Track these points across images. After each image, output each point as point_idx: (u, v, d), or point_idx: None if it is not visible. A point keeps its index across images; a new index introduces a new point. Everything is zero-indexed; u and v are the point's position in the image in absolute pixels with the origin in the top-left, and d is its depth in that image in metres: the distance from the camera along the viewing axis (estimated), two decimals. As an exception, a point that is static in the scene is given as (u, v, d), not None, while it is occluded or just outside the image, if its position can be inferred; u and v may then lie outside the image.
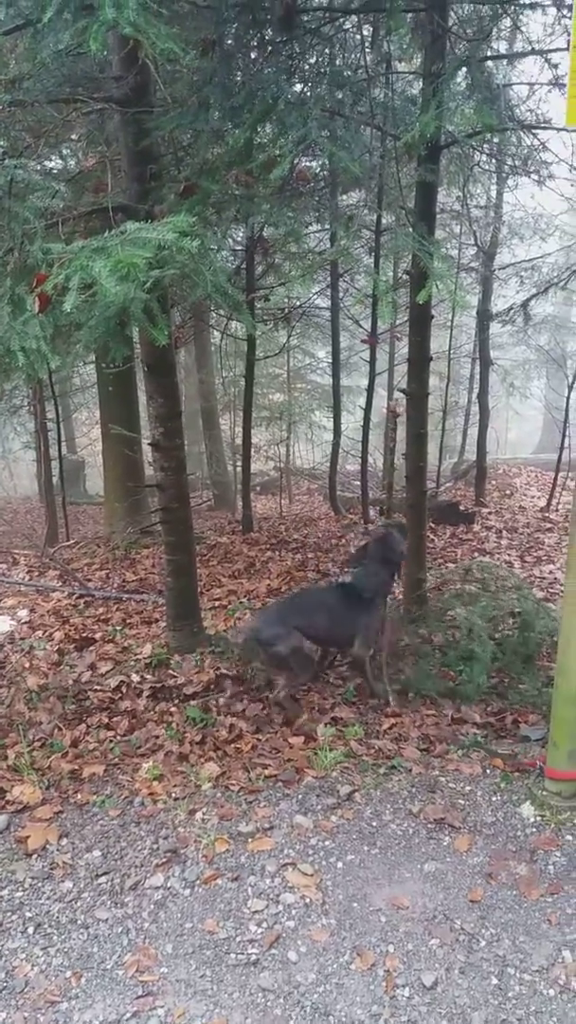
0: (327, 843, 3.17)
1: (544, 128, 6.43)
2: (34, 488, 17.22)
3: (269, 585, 6.68)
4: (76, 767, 3.75)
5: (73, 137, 5.00)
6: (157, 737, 4.01)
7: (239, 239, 8.64)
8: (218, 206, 3.62)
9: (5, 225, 2.85)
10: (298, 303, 10.67)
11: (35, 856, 3.13)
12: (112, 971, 2.58)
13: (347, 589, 4.49)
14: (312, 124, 3.52)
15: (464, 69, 4.32)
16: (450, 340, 10.90)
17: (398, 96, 5.45)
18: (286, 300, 10.32)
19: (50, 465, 9.72)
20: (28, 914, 2.83)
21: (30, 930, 2.76)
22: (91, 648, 5.29)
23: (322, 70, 4.55)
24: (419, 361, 4.85)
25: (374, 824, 3.29)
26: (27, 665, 5.02)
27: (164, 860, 3.07)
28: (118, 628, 5.64)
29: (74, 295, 2.34)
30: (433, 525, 8.34)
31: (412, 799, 3.45)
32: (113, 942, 2.70)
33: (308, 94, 4.16)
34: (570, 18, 2.64)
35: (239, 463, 10.26)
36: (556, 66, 4.51)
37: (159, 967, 2.59)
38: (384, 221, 8.38)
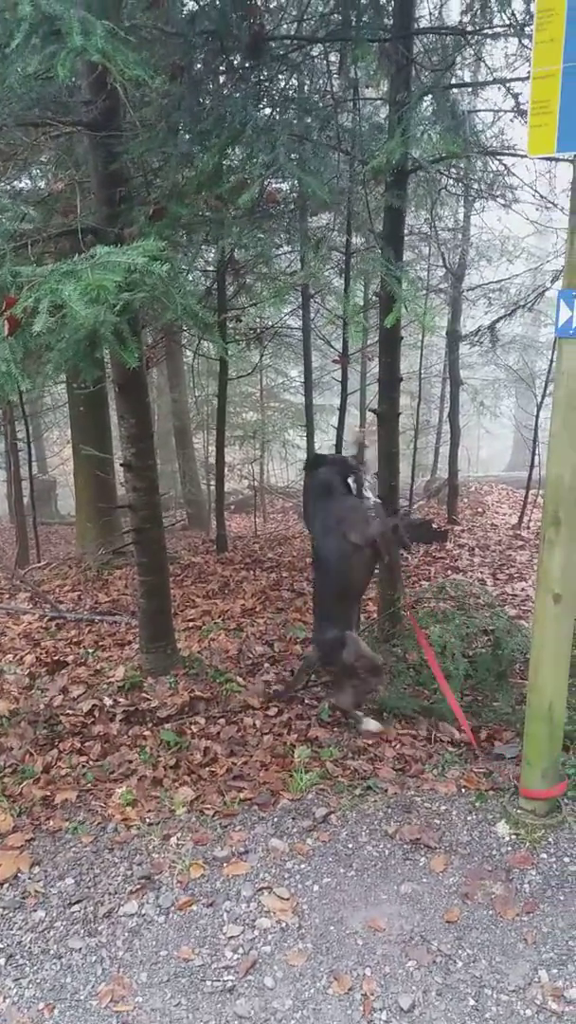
0: (303, 866, 3.15)
1: (508, 154, 6.59)
2: (3, 509, 17.06)
3: (243, 605, 6.67)
4: (48, 793, 3.69)
5: (42, 160, 5.02)
6: (131, 762, 3.96)
7: (209, 260, 8.69)
8: (188, 229, 3.65)
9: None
10: (270, 323, 10.73)
11: (6, 885, 3.07)
12: (86, 1001, 2.53)
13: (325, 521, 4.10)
14: (280, 149, 3.58)
15: (429, 97, 4.41)
16: (420, 360, 11.03)
17: (365, 122, 5.55)
18: (257, 320, 10.37)
19: (20, 485, 9.64)
20: (-1, 946, 2.77)
21: (1, 961, 2.70)
22: (63, 671, 5.23)
23: (290, 95, 4.63)
24: (389, 382, 4.91)
25: (350, 846, 3.27)
26: (-2, 690, 4.95)
27: (138, 887, 3.03)
28: (90, 650, 5.59)
29: (44, 317, 2.34)
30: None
31: (388, 820, 3.44)
32: (87, 972, 2.65)
33: (276, 119, 4.22)
34: (531, 48, 2.72)
35: (213, 482, 10.25)
36: (517, 96, 4.63)
37: (134, 996, 2.55)
38: (354, 243, 8.49)
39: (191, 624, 6.18)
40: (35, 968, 2.67)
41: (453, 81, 5.58)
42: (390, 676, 4.73)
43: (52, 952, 2.74)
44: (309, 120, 4.47)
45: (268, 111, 4.40)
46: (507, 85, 5.02)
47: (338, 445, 8.60)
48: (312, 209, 7.63)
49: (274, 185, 7.20)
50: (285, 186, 7.51)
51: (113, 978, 2.62)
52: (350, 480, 4.04)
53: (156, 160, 4.08)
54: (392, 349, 4.86)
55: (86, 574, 7.95)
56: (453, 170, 7.66)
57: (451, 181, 8.69)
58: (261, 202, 6.53)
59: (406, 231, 5.18)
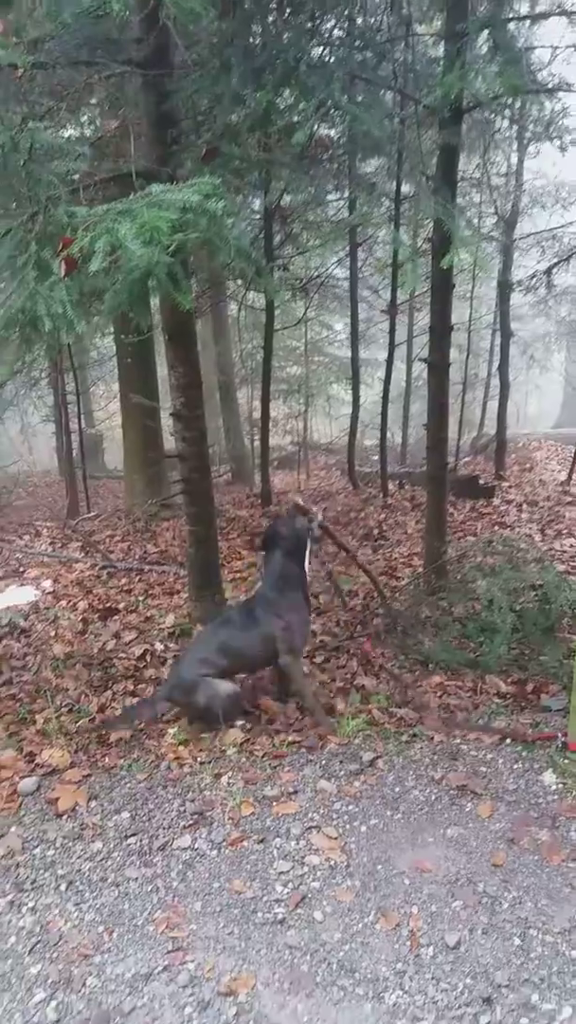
0: (351, 807, 3.21)
1: (568, 91, 6.31)
2: (53, 462, 17.33)
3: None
4: (103, 732, 3.80)
5: (92, 102, 4.95)
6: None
7: (256, 208, 8.55)
8: (239, 170, 3.57)
9: (29, 189, 2.83)
10: (315, 274, 10.57)
11: (65, 817, 3.19)
12: (143, 927, 2.63)
13: (251, 601, 4.05)
14: (335, 87, 3.47)
15: (486, 31, 4.22)
16: (470, 311, 10.80)
17: (419, 59, 5.35)
18: (303, 271, 10.22)
19: (70, 438, 9.75)
20: (60, 872, 2.88)
21: (62, 887, 2.82)
22: (115, 618, 5.34)
23: (343, 32, 4.47)
24: (440, 331, 4.81)
25: (397, 790, 3.32)
26: (53, 634, 5.08)
27: (191, 822, 3.12)
28: (141, 599, 5.69)
29: (100, 257, 2.33)
30: (453, 499, 8.31)
31: (434, 766, 3.47)
32: (143, 900, 2.75)
33: (330, 57, 4.09)
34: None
35: (256, 437, 10.25)
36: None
37: (188, 924, 2.64)
38: (403, 191, 8.26)
39: (237, 575, 6.24)
40: (94, 894, 2.78)
41: (510, 15, 5.33)
42: (435, 629, 4.73)
43: (110, 880, 2.84)
44: (363, 57, 4.31)
45: (320, 49, 4.26)
46: (571, 16, 4.78)
47: (385, 398, 8.53)
48: (362, 154, 7.44)
49: (323, 131, 7.06)
50: (334, 132, 7.35)
51: (168, 906, 2.71)
52: (308, 549, 3.98)
53: (207, 100, 3.99)
54: (444, 296, 4.75)
55: (135, 525, 8.06)
56: (508, 111, 7.39)
57: (505, 123, 8.39)
58: (310, 147, 6.41)
59: (457, 177, 5.00)
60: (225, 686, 3.76)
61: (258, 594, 4.04)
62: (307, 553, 3.95)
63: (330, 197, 8.55)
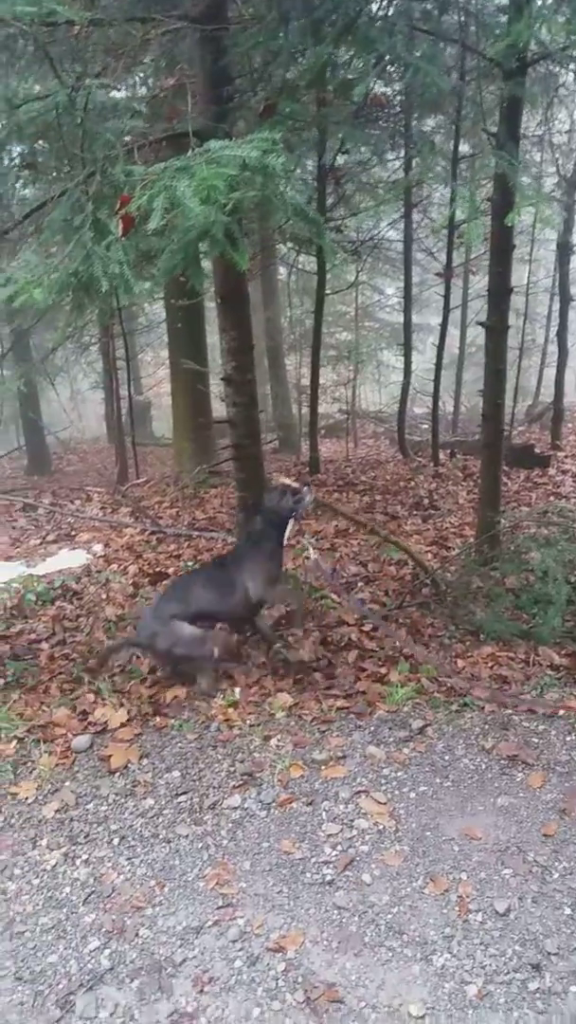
0: (399, 774, 3.21)
1: None
2: (101, 429, 17.51)
3: (336, 526, 6.68)
4: (154, 692, 3.86)
5: (147, 60, 4.88)
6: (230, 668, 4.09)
7: (309, 169, 8.39)
8: (297, 128, 3.48)
9: (85, 149, 2.81)
10: (368, 236, 10.36)
11: (117, 774, 3.25)
12: (193, 883, 2.68)
13: (225, 556, 4.30)
14: (396, 39, 3.35)
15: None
16: (528, 274, 10.47)
17: (483, 9, 5.13)
18: (355, 233, 10.02)
19: (119, 404, 9.81)
20: (113, 827, 2.95)
21: (115, 841, 2.89)
22: (164, 582, 5.39)
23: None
24: (499, 293, 4.67)
25: (446, 758, 3.31)
26: (104, 596, 5.16)
27: (241, 782, 3.16)
28: (189, 563, 5.73)
29: (159, 215, 2.30)
30: (507, 468, 8.16)
31: (485, 736, 3.45)
32: (194, 856, 2.80)
33: (389, 9, 3.94)
34: None
35: (304, 405, 10.16)
36: None
37: (238, 881, 2.68)
38: (461, 149, 8.02)
39: (287, 543, 6.22)
40: (146, 849, 2.84)
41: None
42: (487, 600, 4.67)
43: (161, 836, 2.90)
44: (425, 8, 4.15)
45: (382, 0, 4.11)
46: None
47: (438, 365, 8.37)
48: (420, 111, 7.22)
49: (379, 89, 6.88)
50: (389, 90, 7.14)
51: (218, 863, 2.76)
52: (289, 524, 4.08)
53: (264, 57, 3.89)
54: (504, 258, 4.61)
55: (183, 492, 8.11)
56: (573, 64, 7.07)
57: (570, 77, 8.05)
58: (366, 105, 6.25)
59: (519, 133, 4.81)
60: (188, 630, 3.79)
61: (231, 553, 4.25)
62: (288, 526, 4.06)
63: (386, 157, 8.35)
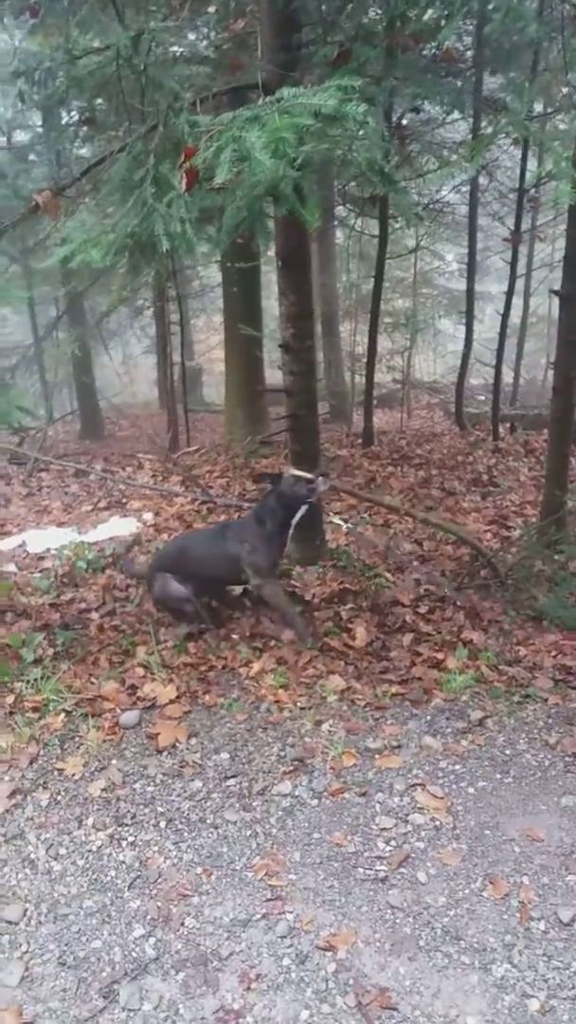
0: (457, 767, 3.07)
1: None
2: (153, 394, 17.47)
3: (390, 501, 6.49)
4: (204, 668, 3.77)
5: (211, 10, 4.64)
6: (279, 647, 3.98)
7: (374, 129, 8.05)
8: (371, 78, 3.24)
9: (148, 100, 2.64)
10: (428, 201, 9.97)
11: (165, 753, 3.18)
12: (241, 872, 2.59)
13: (226, 524, 4.46)
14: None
15: None
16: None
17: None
18: (418, 197, 9.65)
19: (172, 370, 9.69)
20: (159, 809, 2.88)
21: (162, 824, 2.81)
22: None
23: None
24: (577, 260, 4.39)
25: (507, 752, 3.15)
26: (153, 566, 5.09)
27: (291, 768, 3.05)
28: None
29: (226, 168, 2.12)
30: (573, 445, 7.83)
31: (548, 730, 3.28)
32: (242, 844, 2.71)
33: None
34: None
35: (357, 373, 9.89)
36: None
37: (287, 873, 2.58)
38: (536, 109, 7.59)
39: (339, 514, 6.07)
40: (193, 834, 2.76)
41: None
42: (549, 583, 4.46)
43: (209, 821, 2.81)
44: None
45: None
46: None
47: (502, 334, 8.03)
48: (493, 66, 6.83)
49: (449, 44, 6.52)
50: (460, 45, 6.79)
51: (267, 853, 2.66)
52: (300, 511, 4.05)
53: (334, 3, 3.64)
54: (584, 222, 4.31)
55: (234, 461, 7.98)
56: None
57: None
58: (438, 59, 5.91)
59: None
60: (175, 587, 4.07)
61: (239, 520, 4.36)
62: (299, 512, 4.04)
63: (453, 117, 7.96)
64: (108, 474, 7.79)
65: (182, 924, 2.40)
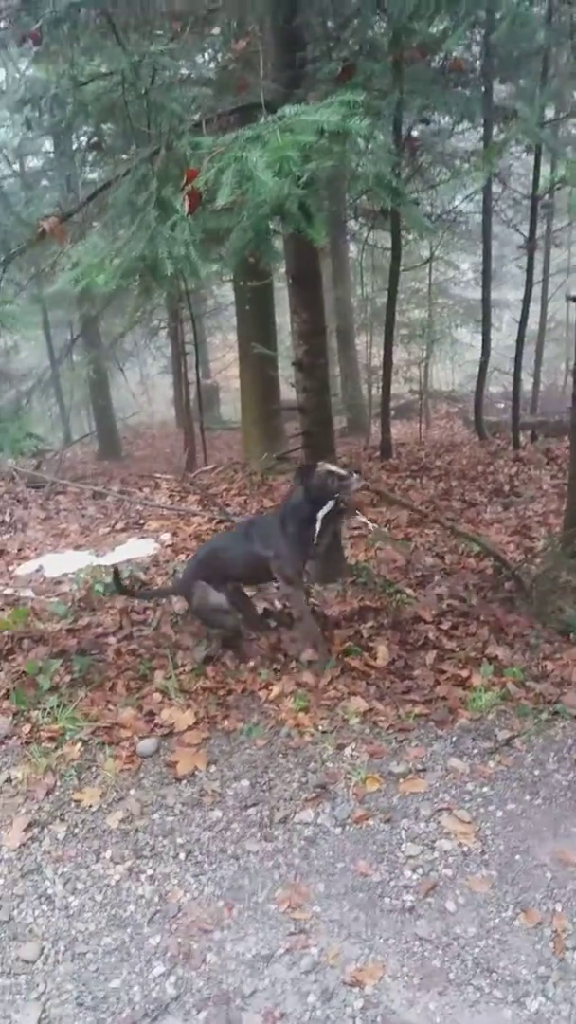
0: (485, 790, 2.98)
1: None
2: (170, 413, 17.55)
3: (411, 515, 6.41)
4: (223, 692, 3.72)
5: (215, 32, 4.66)
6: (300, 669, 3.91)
7: (381, 142, 8.05)
8: (377, 92, 3.21)
9: (151, 122, 2.62)
10: (444, 210, 9.94)
11: (184, 782, 3.12)
12: (263, 905, 2.53)
13: (251, 522, 4.35)
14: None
15: None
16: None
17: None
18: (430, 207, 9.62)
19: (188, 389, 9.71)
20: (179, 840, 2.82)
21: (181, 856, 2.75)
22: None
23: None
24: (593, 266, 4.31)
25: (536, 773, 3.06)
26: (171, 588, 5.05)
27: (313, 795, 2.98)
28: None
29: (228, 189, 2.10)
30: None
31: (578, 749, 3.18)
32: (264, 876, 2.64)
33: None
34: None
35: (374, 385, 9.85)
36: None
37: (311, 905, 2.51)
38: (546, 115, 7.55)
39: (356, 532, 6.01)
40: (213, 866, 2.69)
41: None
42: (575, 596, 4.36)
43: (229, 852, 2.75)
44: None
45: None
46: None
47: (520, 341, 7.94)
48: (502, 75, 6.81)
49: (458, 54, 6.51)
50: (468, 56, 6.76)
51: (290, 885, 2.59)
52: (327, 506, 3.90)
53: (340, 17, 3.62)
54: (598, 228, 4.24)
55: (251, 479, 7.95)
56: None
57: None
58: (445, 70, 5.90)
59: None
60: (213, 597, 4.00)
61: (264, 517, 4.32)
62: (326, 507, 3.89)
63: (463, 127, 7.95)
64: (125, 495, 7.79)
65: (203, 961, 2.34)
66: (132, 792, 3.08)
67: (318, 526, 3.94)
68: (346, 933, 2.40)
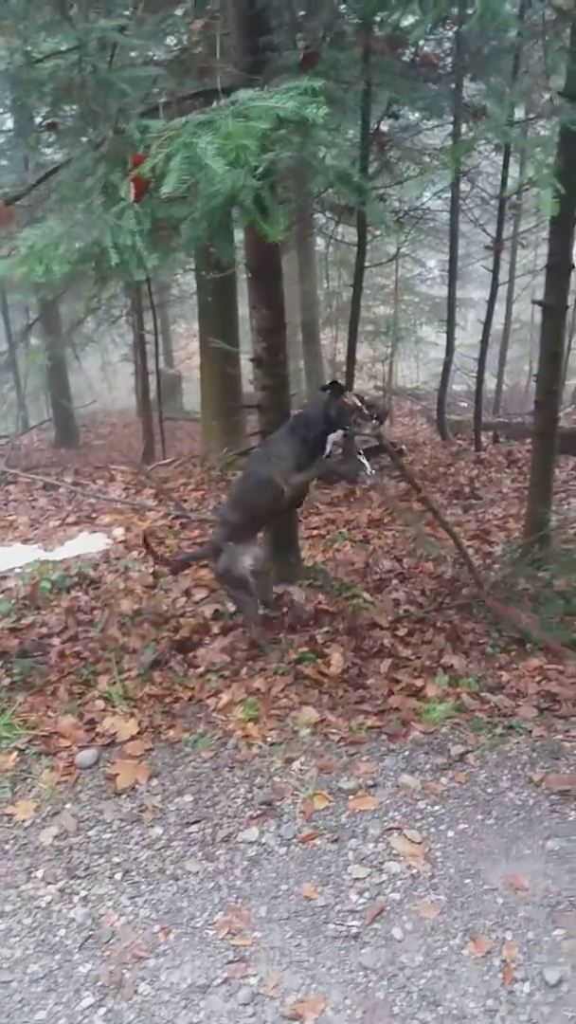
0: (436, 808, 2.89)
1: None
2: (131, 401, 17.22)
3: (370, 515, 6.33)
4: (168, 700, 3.59)
5: (178, 13, 4.47)
6: (251, 675, 3.79)
7: (350, 136, 7.91)
8: (342, 82, 3.07)
9: (100, 100, 2.46)
10: (411, 206, 9.84)
11: (124, 796, 2.99)
12: (202, 930, 2.41)
13: (269, 440, 4.07)
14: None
15: None
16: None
17: None
18: (398, 203, 9.52)
19: (147, 379, 9.49)
20: (116, 859, 2.69)
21: (117, 876, 2.62)
22: (186, 572, 5.09)
23: None
24: (560, 268, 4.25)
25: (489, 791, 2.99)
26: (122, 587, 4.89)
27: (259, 813, 2.87)
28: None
29: (175, 177, 1.95)
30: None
31: (532, 765, 3.12)
32: (203, 898, 2.53)
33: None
34: None
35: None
36: None
37: (252, 931, 2.40)
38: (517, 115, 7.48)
39: (314, 533, 5.91)
40: (151, 887, 2.57)
41: None
42: (534, 603, 4.31)
43: (168, 873, 2.63)
44: None
45: None
46: None
47: (484, 341, 7.90)
48: (473, 71, 6.70)
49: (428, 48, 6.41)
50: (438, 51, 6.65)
51: (231, 908, 2.48)
52: (332, 436, 3.74)
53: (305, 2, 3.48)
54: (565, 229, 4.18)
55: (210, 474, 7.79)
56: None
57: None
58: (415, 64, 5.78)
59: None
60: (245, 559, 3.85)
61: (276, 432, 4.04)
62: (329, 439, 3.73)
63: (432, 123, 7.83)
64: (78, 487, 7.58)
65: (135, 991, 2.22)
66: (68, 806, 2.94)
67: (328, 447, 3.78)
68: (287, 961, 2.30)
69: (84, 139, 2.62)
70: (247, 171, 2.17)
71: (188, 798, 2.97)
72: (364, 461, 3.92)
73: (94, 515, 6.71)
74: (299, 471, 3.79)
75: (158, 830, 2.81)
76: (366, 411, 3.70)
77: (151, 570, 5.15)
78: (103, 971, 2.27)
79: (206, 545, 4.10)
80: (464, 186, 8.99)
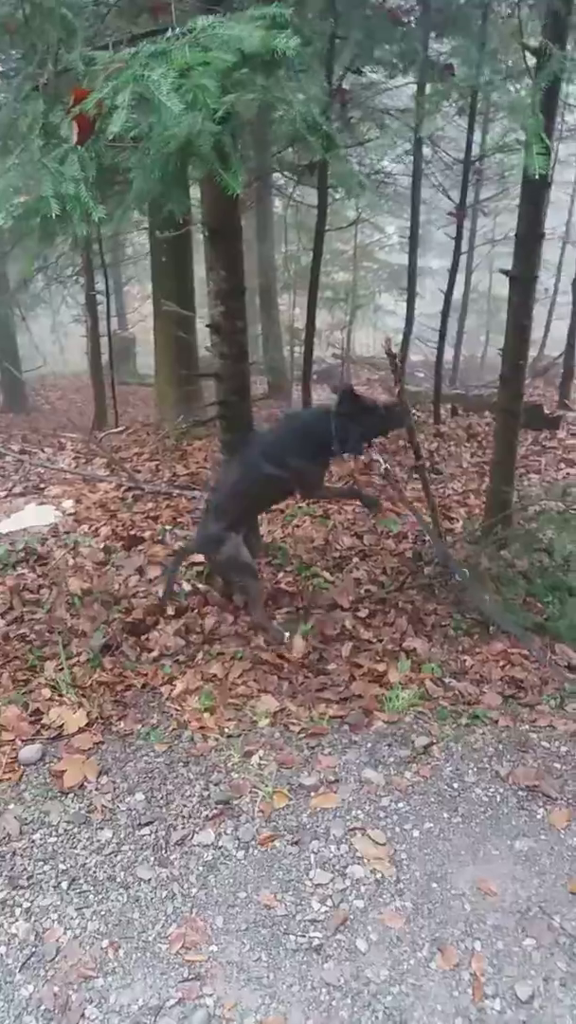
0: (401, 805, 2.76)
1: None
2: (84, 365, 16.66)
3: (329, 488, 6.13)
4: (119, 688, 3.38)
5: None
6: (208, 660, 3.61)
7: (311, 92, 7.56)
8: (311, 15, 2.79)
9: (36, 28, 2.17)
10: (369, 171, 9.53)
11: (71, 795, 2.79)
12: (154, 944, 2.24)
13: (253, 442, 3.94)
14: None
15: None
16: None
17: None
18: (359, 166, 9.21)
19: (99, 342, 9.08)
20: (62, 866, 2.50)
21: (63, 885, 2.44)
22: (139, 548, 4.86)
23: None
24: (530, 238, 4.06)
25: (455, 786, 2.86)
26: (71, 563, 4.64)
27: (216, 812, 2.70)
28: (167, 527, 5.20)
29: (123, 115, 1.69)
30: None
31: (499, 758, 3.00)
32: (156, 908, 2.36)
33: None
34: None
35: (296, 347, 9.46)
36: None
37: (208, 944, 2.24)
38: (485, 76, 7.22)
39: (273, 508, 5.69)
40: (99, 897, 2.39)
41: None
42: (496, 584, 4.19)
43: (118, 880, 2.45)
44: None
45: None
46: None
47: (445, 312, 7.70)
48: (439, 30, 6.41)
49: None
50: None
51: (185, 919, 2.32)
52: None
53: None
54: (536, 197, 3.99)
55: (164, 443, 7.50)
56: None
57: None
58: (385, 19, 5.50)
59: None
60: (244, 555, 3.78)
61: (263, 435, 3.99)
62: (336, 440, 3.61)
63: (397, 81, 7.52)
64: (25, 456, 7.23)
65: (82, 1015, 2.05)
66: (11, 807, 2.73)
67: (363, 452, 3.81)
68: (246, 978, 2.15)
69: (21, 76, 2.32)
70: (206, 114, 1.92)
71: (140, 797, 2.78)
72: (377, 457, 3.90)
73: (42, 485, 6.39)
74: (323, 479, 3.87)
75: (108, 833, 2.62)
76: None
77: (102, 546, 4.90)
78: (47, 993, 2.10)
79: (202, 537, 3.94)
80: (427, 150, 8.71)
